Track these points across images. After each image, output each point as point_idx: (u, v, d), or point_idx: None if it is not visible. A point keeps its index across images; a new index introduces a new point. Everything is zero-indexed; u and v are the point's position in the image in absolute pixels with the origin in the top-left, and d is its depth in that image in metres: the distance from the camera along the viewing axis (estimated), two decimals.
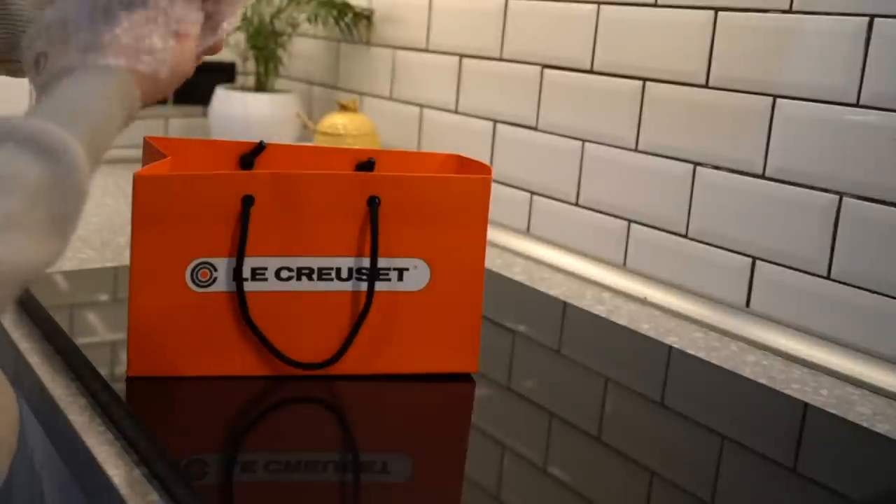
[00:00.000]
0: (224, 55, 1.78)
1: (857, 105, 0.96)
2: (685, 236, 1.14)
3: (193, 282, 0.78)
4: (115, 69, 0.58)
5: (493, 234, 1.36)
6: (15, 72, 0.74)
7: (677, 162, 1.14)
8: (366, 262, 0.81)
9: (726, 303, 1.09)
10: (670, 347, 0.99)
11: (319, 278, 0.81)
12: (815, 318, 1.00)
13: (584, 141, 1.26)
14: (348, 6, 1.65)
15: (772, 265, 1.05)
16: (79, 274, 1.05)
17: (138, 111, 0.61)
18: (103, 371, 0.79)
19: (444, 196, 0.82)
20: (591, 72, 1.25)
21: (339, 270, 0.81)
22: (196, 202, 0.77)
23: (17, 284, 0.48)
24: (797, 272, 1.02)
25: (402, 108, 1.60)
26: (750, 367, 0.97)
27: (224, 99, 1.65)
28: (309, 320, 0.81)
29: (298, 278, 0.81)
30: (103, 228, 1.30)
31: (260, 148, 0.89)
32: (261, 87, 1.69)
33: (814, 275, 1.00)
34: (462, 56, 1.46)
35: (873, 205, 0.95)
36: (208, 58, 0.69)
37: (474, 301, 0.84)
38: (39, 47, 0.60)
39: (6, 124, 0.51)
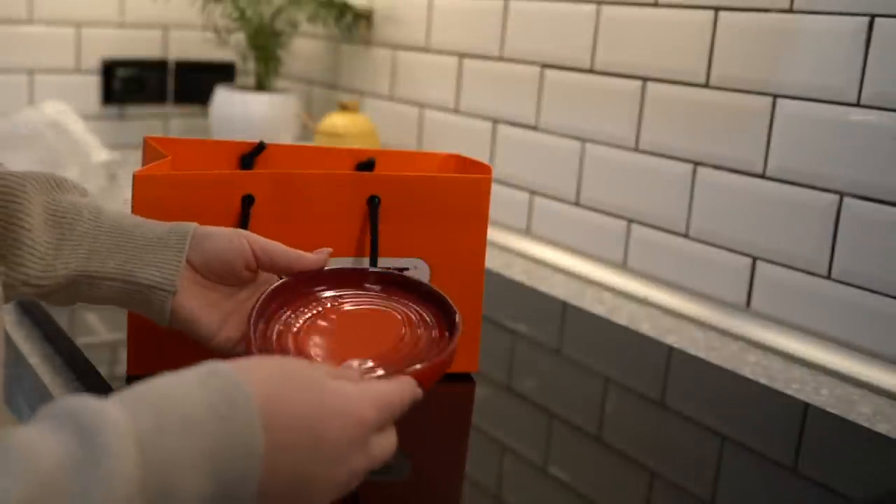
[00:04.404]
0: (224, 55, 1.79)
1: (857, 105, 0.96)
2: (685, 236, 1.14)
3: None
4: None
5: (493, 234, 1.36)
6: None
7: (677, 162, 1.14)
8: (366, 262, 0.81)
9: (726, 303, 1.09)
10: (670, 347, 0.99)
11: None
12: (815, 318, 1.00)
13: (584, 141, 1.26)
14: (348, 6, 1.65)
15: (772, 265, 1.05)
16: None
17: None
18: (103, 371, 0.79)
19: (444, 196, 0.82)
20: (591, 72, 1.25)
21: None
22: (196, 202, 0.76)
23: None
24: (797, 272, 1.02)
25: (402, 108, 1.60)
26: (750, 367, 0.97)
27: (224, 99, 1.65)
28: None
29: None
30: None
31: (260, 148, 0.89)
32: (261, 87, 1.69)
33: (814, 275, 1.00)
34: (462, 56, 1.46)
35: (874, 205, 0.95)
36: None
37: (474, 301, 0.84)
38: None
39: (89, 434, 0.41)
